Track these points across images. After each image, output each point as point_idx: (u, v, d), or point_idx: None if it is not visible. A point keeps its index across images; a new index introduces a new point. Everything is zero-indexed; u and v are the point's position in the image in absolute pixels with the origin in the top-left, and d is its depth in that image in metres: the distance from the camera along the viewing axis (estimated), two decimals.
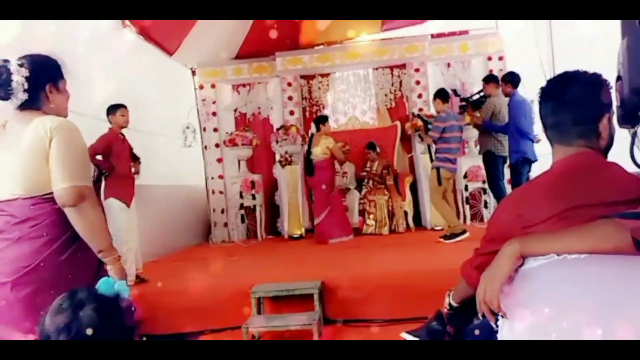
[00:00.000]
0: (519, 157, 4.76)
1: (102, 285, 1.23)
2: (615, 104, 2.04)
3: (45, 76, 1.73)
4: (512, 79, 4.87)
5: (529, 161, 4.78)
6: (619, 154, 1.46)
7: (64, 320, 1.07)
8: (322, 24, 6.53)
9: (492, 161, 5.07)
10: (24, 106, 1.70)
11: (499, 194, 5.00)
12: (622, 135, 2.16)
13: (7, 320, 1.58)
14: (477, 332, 1.58)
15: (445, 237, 4.84)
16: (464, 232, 4.78)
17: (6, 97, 1.67)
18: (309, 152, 5.66)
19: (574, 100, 1.31)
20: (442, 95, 5.08)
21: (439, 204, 5.04)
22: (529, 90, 5.00)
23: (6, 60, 1.67)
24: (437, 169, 4.96)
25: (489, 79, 5.21)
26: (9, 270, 1.58)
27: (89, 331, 1.04)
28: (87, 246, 1.67)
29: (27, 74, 1.66)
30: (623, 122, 2.11)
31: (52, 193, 1.63)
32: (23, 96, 1.66)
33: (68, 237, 1.64)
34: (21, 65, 1.66)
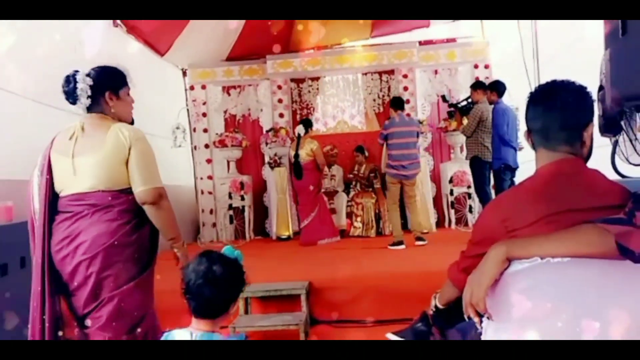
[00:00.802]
0: (501, 164, 4.84)
1: (227, 251, 1.57)
2: (597, 113, 2.10)
3: (106, 85, 2.02)
4: (497, 88, 4.95)
5: (510, 168, 4.86)
6: (598, 162, 1.51)
7: (202, 269, 1.47)
8: (313, 29, 6.57)
9: (478, 167, 5.14)
10: (90, 109, 2.01)
11: (484, 199, 5.07)
12: (603, 143, 2.23)
13: (86, 291, 1.90)
14: (461, 333, 1.62)
15: (392, 244, 5.05)
16: (400, 243, 5.00)
17: (73, 102, 2.00)
18: (296, 155, 5.69)
19: (563, 106, 1.33)
20: (392, 103, 5.26)
21: (389, 209, 5.30)
22: (515, 99, 5.10)
23: (76, 71, 1.99)
24: (384, 174, 5.18)
25: (477, 85, 5.29)
26: (88, 247, 1.89)
27: (218, 281, 1.46)
28: (147, 233, 2.02)
29: (91, 83, 1.97)
30: (605, 131, 2.17)
31: (127, 188, 1.96)
32: (87, 101, 1.98)
33: (136, 223, 1.98)
34: (88, 75, 1.98)
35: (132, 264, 1.95)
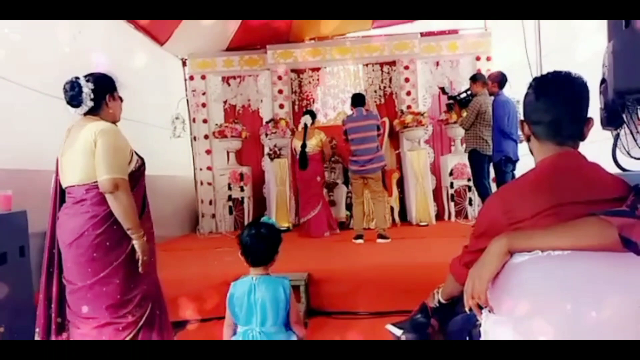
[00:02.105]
0: (502, 157, 4.81)
1: (265, 219, 2.09)
2: (599, 106, 2.09)
3: (105, 88, 2.23)
4: (498, 79, 4.92)
5: (511, 160, 4.84)
6: (599, 155, 1.50)
7: (254, 233, 2.02)
8: (314, 20, 6.53)
9: (477, 160, 5.12)
10: (88, 112, 2.20)
11: (483, 192, 5.06)
12: (604, 136, 2.22)
13: (68, 273, 2.17)
14: (461, 325, 1.62)
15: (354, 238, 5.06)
16: (359, 237, 5.00)
17: (77, 105, 2.18)
18: (304, 145, 5.63)
19: (576, 98, 1.33)
20: (352, 100, 5.19)
21: (353, 203, 5.29)
22: (516, 91, 5.07)
23: (77, 77, 2.17)
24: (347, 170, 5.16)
25: (476, 77, 5.25)
26: (68, 236, 2.14)
27: (266, 238, 2.01)
28: (117, 222, 2.14)
29: (93, 87, 2.17)
30: (606, 124, 2.17)
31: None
32: (90, 104, 2.18)
33: (107, 213, 2.12)
34: (88, 81, 2.17)
35: (106, 252, 2.12)
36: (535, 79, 1.41)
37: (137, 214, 2.18)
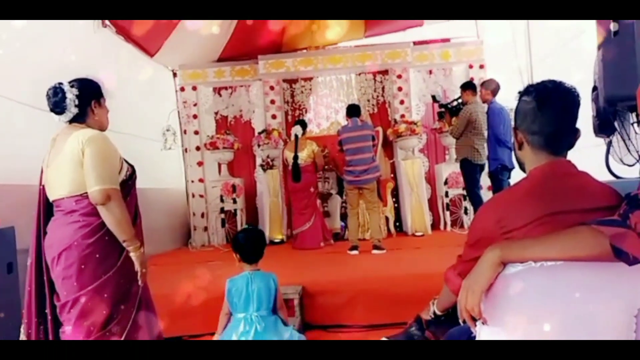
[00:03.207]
0: (498, 165, 4.80)
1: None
2: (591, 113, 2.09)
3: (90, 94, 2.14)
4: (490, 86, 4.92)
5: (507, 168, 4.83)
6: (592, 162, 1.49)
7: (244, 235, 2.65)
8: (306, 29, 6.54)
9: (468, 169, 5.11)
10: (73, 120, 2.11)
11: (476, 201, 5.04)
12: (596, 143, 2.21)
13: (59, 285, 2.08)
14: (455, 337, 1.60)
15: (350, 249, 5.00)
16: (354, 248, 4.94)
17: (61, 112, 2.09)
18: (295, 157, 5.60)
19: (572, 110, 1.34)
20: (347, 110, 5.20)
21: (348, 214, 5.21)
22: (509, 99, 5.07)
23: (60, 83, 2.09)
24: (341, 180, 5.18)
25: (466, 86, 5.25)
26: (55, 248, 2.05)
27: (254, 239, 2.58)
28: (108, 234, 2.06)
29: (77, 93, 2.08)
30: (599, 132, 2.16)
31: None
32: (74, 110, 2.09)
33: (97, 225, 2.04)
34: (72, 86, 2.09)
35: (95, 265, 2.03)
36: (535, 88, 1.38)
37: (132, 224, 2.09)
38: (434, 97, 5.88)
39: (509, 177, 4.85)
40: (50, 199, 2.14)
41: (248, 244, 2.53)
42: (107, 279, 2.05)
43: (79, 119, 2.12)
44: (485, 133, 4.96)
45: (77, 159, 2.01)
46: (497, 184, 4.84)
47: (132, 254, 2.07)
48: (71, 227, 2.03)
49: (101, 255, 2.05)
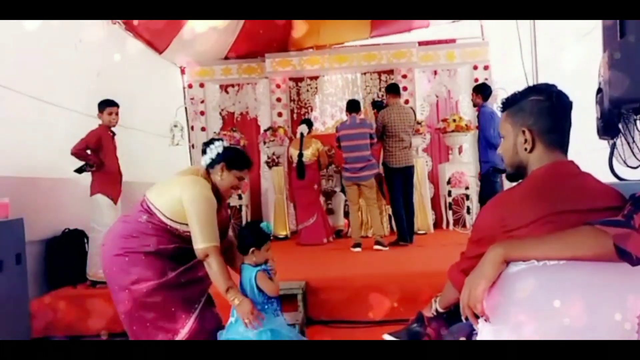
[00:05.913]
0: (490, 167, 4.80)
1: (265, 225, 2.34)
2: (595, 115, 2.10)
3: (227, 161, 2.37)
4: (482, 91, 4.93)
5: (499, 170, 4.84)
6: (596, 165, 1.51)
7: (246, 228, 2.52)
8: (313, 28, 6.56)
9: (385, 172, 5.25)
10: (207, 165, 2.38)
11: (395, 206, 5.17)
12: (600, 146, 2.22)
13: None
14: (457, 335, 1.62)
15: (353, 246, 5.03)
16: (357, 245, 4.96)
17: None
18: (300, 154, 5.64)
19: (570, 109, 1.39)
20: (348, 106, 5.24)
21: (350, 211, 5.25)
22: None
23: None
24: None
25: (388, 88, 5.38)
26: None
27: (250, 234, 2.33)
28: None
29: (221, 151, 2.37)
30: (603, 134, 2.17)
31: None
32: (208, 160, 2.39)
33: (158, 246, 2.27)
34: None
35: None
36: (544, 88, 1.39)
37: (228, 278, 2.20)
38: (374, 101, 6.09)
39: (500, 179, 4.86)
40: (146, 194, 2.37)
41: (239, 237, 2.44)
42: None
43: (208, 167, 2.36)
44: (405, 136, 5.09)
45: (177, 198, 2.25)
46: (489, 186, 4.82)
47: (234, 303, 2.16)
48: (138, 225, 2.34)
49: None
